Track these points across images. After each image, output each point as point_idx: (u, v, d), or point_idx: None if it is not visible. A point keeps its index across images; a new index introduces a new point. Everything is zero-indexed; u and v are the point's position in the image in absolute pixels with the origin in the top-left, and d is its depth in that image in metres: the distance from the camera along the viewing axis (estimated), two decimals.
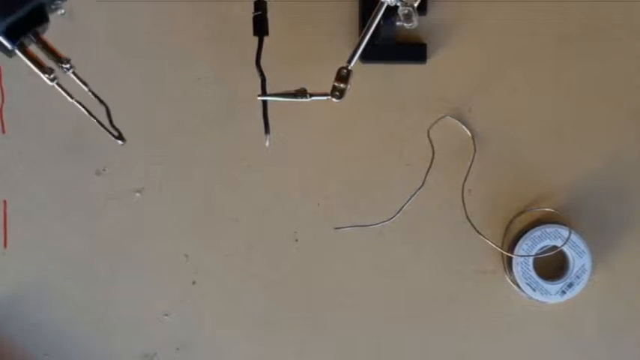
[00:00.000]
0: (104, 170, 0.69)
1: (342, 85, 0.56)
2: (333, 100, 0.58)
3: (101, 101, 0.58)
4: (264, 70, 0.61)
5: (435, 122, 0.69)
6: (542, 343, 0.69)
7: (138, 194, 0.70)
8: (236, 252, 0.70)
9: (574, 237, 0.67)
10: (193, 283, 0.70)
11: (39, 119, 0.67)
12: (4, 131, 0.69)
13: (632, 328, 0.69)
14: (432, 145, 0.69)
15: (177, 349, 0.70)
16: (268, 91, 0.60)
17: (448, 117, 0.69)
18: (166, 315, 0.70)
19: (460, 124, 0.69)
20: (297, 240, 0.70)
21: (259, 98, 0.60)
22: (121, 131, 0.64)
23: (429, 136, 0.69)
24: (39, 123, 0.69)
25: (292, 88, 0.59)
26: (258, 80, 0.60)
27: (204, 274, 0.70)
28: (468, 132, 0.69)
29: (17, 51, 0.56)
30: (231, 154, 0.70)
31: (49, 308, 0.70)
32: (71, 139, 0.69)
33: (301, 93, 0.59)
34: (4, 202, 0.70)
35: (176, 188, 0.70)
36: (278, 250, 0.70)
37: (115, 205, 0.70)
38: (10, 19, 0.54)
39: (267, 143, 0.60)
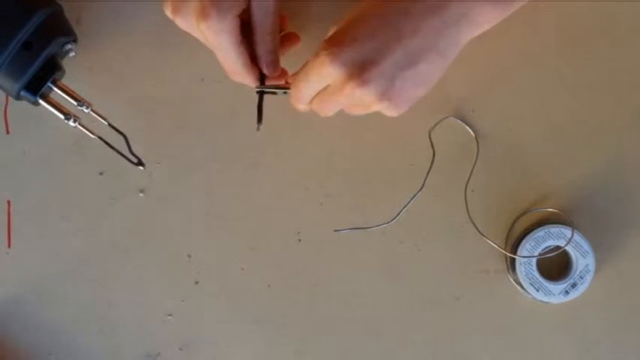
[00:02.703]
0: (107, 170, 0.70)
1: None
2: None
3: (120, 132, 0.63)
4: None
5: (438, 123, 0.69)
6: (546, 343, 0.69)
7: (141, 194, 0.70)
8: (239, 252, 0.70)
9: (577, 237, 0.67)
10: (196, 282, 0.70)
11: (43, 120, 0.68)
12: (8, 131, 0.70)
13: (636, 328, 0.69)
14: (433, 147, 0.68)
15: (180, 348, 0.70)
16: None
17: (451, 117, 0.69)
18: (169, 315, 0.70)
19: (463, 124, 0.69)
20: (300, 240, 0.70)
21: (256, 90, 0.62)
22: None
23: (430, 137, 0.69)
24: (43, 123, 0.69)
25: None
26: None
27: (207, 274, 0.70)
28: (472, 132, 0.69)
29: (40, 101, 0.61)
30: (234, 154, 0.70)
31: (53, 308, 0.70)
32: (74, 140, 0.69)
33: None
34: (8, 202, 0.70)
35: (179, 188, 0.70)
36: (281, 250, 0.70)
37: (117, 205, 0.70)
38: (25, 78, 0.59)
39: (258, 132, 0.62)
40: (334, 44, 0.54)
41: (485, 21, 0.57)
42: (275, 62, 0.61)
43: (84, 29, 0.69)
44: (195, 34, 0.58)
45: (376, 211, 0.69)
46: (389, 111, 0.57)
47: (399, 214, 0.68)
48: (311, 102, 0.60)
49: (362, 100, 0.56)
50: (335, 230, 0.69)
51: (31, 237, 0.70)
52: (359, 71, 0.54)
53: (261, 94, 0.62)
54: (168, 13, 0.57)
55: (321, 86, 0.57)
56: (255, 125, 0.62)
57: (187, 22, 0.56)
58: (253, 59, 0.60)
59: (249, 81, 0.61)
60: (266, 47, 0.59)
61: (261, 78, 0.62)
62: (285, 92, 0.61)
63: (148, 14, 0.69)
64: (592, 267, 0.67)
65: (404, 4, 0.54)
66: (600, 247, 0.68)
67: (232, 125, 0.70)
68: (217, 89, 0.69)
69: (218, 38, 0.56)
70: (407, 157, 0.70)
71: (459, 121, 0.70)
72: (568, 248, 0.67)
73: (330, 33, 0.57)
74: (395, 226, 0.68)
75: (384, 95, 0.55)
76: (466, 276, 0.69)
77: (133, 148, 0.65)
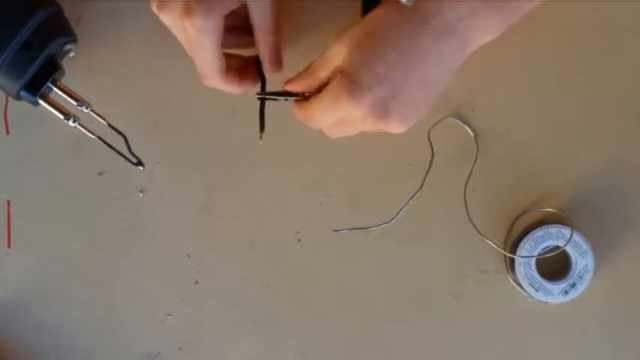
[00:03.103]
0: (107, 170, 0.70)
1: None
2: None
3: (119, 132, 0.63)
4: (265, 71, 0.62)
5: (437, 123, 0.69)
6: (545, 343, 0.69)
7: (141, 194, 0.70)
8: (238, 252, 0.70)
9: (577, 237, 0.67)
10: (196, 282, 0.70)
11: (43, 120, 0.68)
12: (8, 131, 0.70)
13: (636, 328, 0.69)
14: (432, 147, 0.69)
15: (180, 349, 0.70)
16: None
17: (450, 117, 0.69)
18: (169, 315, 0.70)
19: (463, 124, 0.69)
20: (299, 240, 0.70)
21: (258, 97, 0.62)
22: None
23: (429, 137, 0.69)
24: (43, 123, 0.69)
25: None
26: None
27: (207, 274, 0.70)
28: (471, 132, 0.69)
29: (40, 101, 0.61)
30: (234, 154, 0.70)
31: (52, 308, 0.70)
32: (74, 140, 0.69)
33: (297, 93, 0.60)
34: (8, 202, 0.70)
35: (178, 188, 0.70)
36: (280, 250, 0.70)
37: (117, 205, 0.70)
38: (25, 78, 0.59)
39: (261, 141, 0.62)
40: (352, 81, 0.54)
41: (489, 33, 0.57)
42: (279, 59, 0.61)
43: (84, 29, 0.69)
44: (178, 32, 0.58)
45: (375, 211, 0.69)
46: (402, 130, 0.58)
47: (398, 214, 0.68)
48: None
49: (381, 129, 0.57)
50: (334, 230, 0.69)
51: (31, 237, 0.70)
52: (380, 108, 0.55)
53: (262, 101, 0.62)
54: (154, 8, 0.57)
55: (336, 118, 0.57)
56: (258, 134, 0.62)
57: (171, 19, 0.56)
58: (247, 65, 0.61)
59: (223, 87, 0.61)
60: (269, 46, 0.60)
61: (262, 85, 0.62)
62: (286, 99, 0.61)
63: (147, 14, 0.69)
64: (591, 267, 0.67)
65: (410, 28, 0.54)
66: (599, 247, 0.68)
67: (232, 125, 0.70)
68: (217, 89, 0.69)
69: (199, 36, 0.56)
70: (406, 157, 0.70)
71: (458, 121, 0.70)
72: (567, 248, 0.67)
73: (331, 45, 0.56)
74: (394, 226, 0.68)
75: (403, 122, 0.57)
76: (465, 276, 0.69)
77: (133, 148, 0.65)
